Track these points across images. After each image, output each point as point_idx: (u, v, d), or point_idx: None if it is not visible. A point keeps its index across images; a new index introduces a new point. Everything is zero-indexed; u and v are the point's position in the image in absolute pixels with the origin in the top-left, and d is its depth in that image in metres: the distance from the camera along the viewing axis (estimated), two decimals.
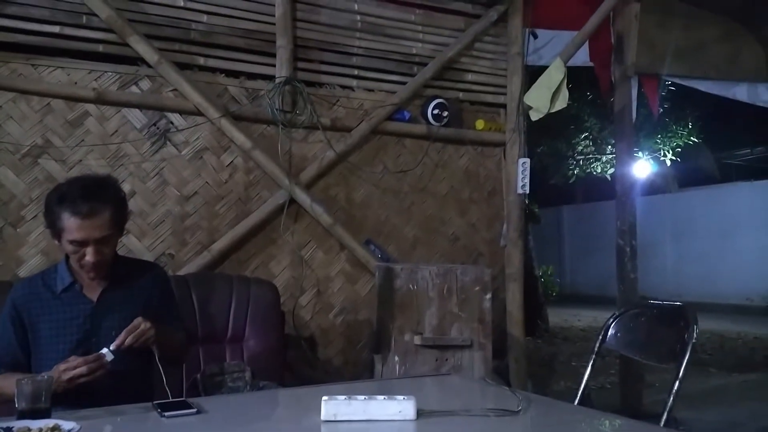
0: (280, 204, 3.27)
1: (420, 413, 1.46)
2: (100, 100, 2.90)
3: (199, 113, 3.09)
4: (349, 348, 3.41)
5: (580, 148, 10.75)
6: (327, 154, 3.42)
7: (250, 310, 2.72)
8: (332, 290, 3.45)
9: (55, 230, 1.73)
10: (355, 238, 3.45)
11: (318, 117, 3.36)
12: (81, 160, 2.84)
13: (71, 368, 1.60)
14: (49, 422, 1.27)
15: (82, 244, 1.70)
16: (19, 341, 1.76)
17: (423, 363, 2.88)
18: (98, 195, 1.73)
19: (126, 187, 2.91)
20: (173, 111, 3.07)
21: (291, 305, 3.25)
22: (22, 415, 1.37)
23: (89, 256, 1.71)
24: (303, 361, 3.18)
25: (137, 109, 2.99)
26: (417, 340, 2.91)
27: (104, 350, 1.65)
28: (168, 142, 3.06)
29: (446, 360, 2.94)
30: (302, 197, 3.30)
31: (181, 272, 2.90)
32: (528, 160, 3.80)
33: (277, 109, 3.24)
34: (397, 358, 2.88)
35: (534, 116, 3.77)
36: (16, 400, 1.39)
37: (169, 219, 3.04)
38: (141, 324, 1.69)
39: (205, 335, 2.54)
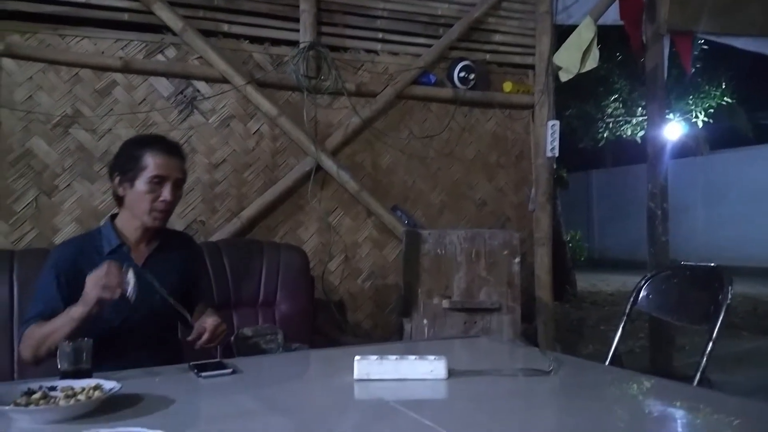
0: (307, 171, 3.27)
1: (451, 372, 1.47)
2: (127, 68, 2.91)
3: (225, 81, 3.09)
4: (378, 312, 3.45)
5: (610, 110, 10.53)
6: (352, 120, 3.40)
7: (281, 275, 2.76)
8: (360, 256, 3.47)
9: (133, 173, 1.80)
10: (381, 204, 3.45)
11: (343, 82, 3.34)
12: (110, 129, 2.87)
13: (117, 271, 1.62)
14: (91, 382, 1.30)
15: (162, 180, 1.79)
16: (62, 298, 1.77)
17: (451, 326, 2.89)
18: (177, 144, 1.93)
19: None
20: (199, 79, 3.08)
21: (320, 271, 3.28)
22: (65, 375, 1.41)
23: (166, 192, 1.80)
24: (333, 325, 3.22)
25: (164, 78, 3.00)
26: (445, 303, 2.92)
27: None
28: (195, 110, 3.07)
29: (475, 323, 2.96)
30: (328, 164, 3.30)
31: (213, 239, 2.94)
32: (557, 123, 3.73)
33: (301, 75, 3.23)
34: (425, 321, 2.90)
35: (563, 77, 3.69)
36: (58, 361, 1.43)
37: (199, 187, 3.07)
38: (222, 325, 1.74)
39: (238, 300, 2.59)
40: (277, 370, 1.69)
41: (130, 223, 1.87)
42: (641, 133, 10.43)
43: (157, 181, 1.80)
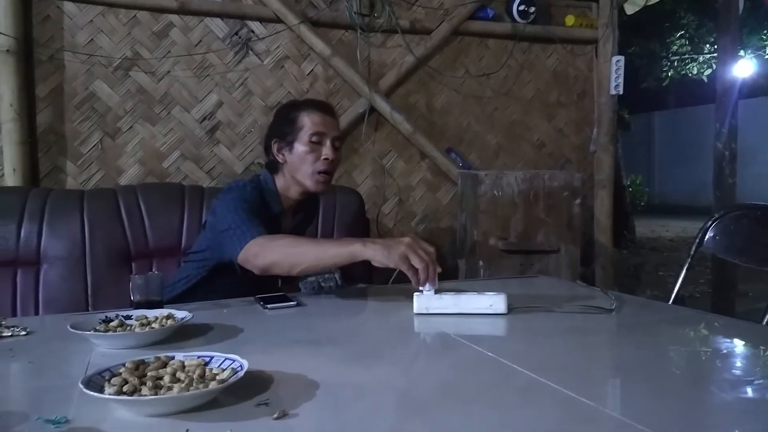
0: (361, 113, 3.25)
1: (511, 308, 1.47)
2: (183, 10, 2.92)
3: (279, 20, 3.06)
4: None
5: (675, 47, 9.99)
6: (406, 59, 3.33)
7: (337, 216, 2.78)
8: (414, 199, 3.47)
9: (292, 135, 1.77)
10: (435, 146, 3.41)
11: (396, 19, 3.26)
12: (169, 72, 2.91)
13: (424, 252, 1.49)
14: (164, 311, 1.36)
15: (322, 138, 1.76)
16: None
17: (507, 268, 2.88)
18: (329, 104, 1.88)
19: (213, 98, 2.98)
20: (253, 19, 3.06)
21: (374, 213, 3.30)
22: (138, 305, 1.48)
23: (327, 150, 1.76)
24: (387, 267, 3.26)
25: (219, 19, 3.00)
26: (501, 245, 2.90)
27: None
28: (250, 51, 3.07)
29: (532, 265, 2.93)
30: (382, 105, 3.27)
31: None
32: (622, 58, 3.56)
33: (354, 13, 3.17)
34: (481, 263, 2.89)
35: (629, 9, 3.50)
36: (131, 292, 1.50)
37: (256, 129, 3.10)
38: None
39: None
40: (337, 304, 1.72)
41: (290, 190, 1.83)
42: (708, 71, 9.89)
43: (317, 140, 1.76)
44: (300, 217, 1.92)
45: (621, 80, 3.58)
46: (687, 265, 2.06)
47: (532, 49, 3.63)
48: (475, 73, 3.51)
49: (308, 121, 1.77)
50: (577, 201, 2.94)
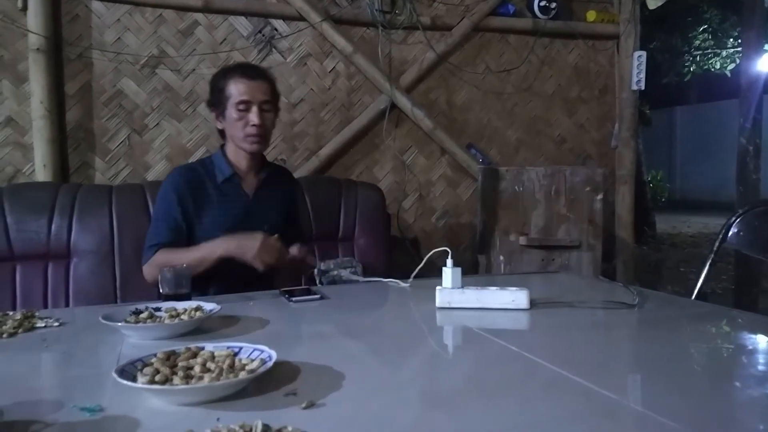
0: (382, 109, 3.26)
1: (533, 303, 1.48)
2: (208, 8, 2.95)
3: (301, 18, 3.09)
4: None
5: (698, 42, 9.85)
6: (427, 55, 3.34)
7: (359, 211, 2.81)
8: (434, 194, 3.47)
9: (222, 102, 1.89)
10: (456, 142, 3.42)
11: (417, 16, 3.26)
12: (194, 69, 2.95)
13: (274, 248, 1.75)
14: (193, 303, 1.39)
15: (248, 105, 1.86)
16: (185, 220, 1.88)
17: (528, 263, 2.88)
18: (260, 68, 1.98)
19: None
20: (277, 17, 3.09)
21: (395, 209, 3.31)
22: (166, 298, 1.51)
23: (253, 116, 1.86)
24: (408, 261, 3.28)
25: (243, 17, 3.03)
26: (522, 240, 2.90)
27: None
28: (273, 50, 3.10)
29: (553, 260, 2.93)
30: (403, 101, 3.28)
31: (294, 176, 3.01)
32: (644, 53, 3.53)
33: (376, 10, 3.18)
34: (501, 258, 2.90)
35: (652, 4, 3.46)
36: (160, 285, 1.54)
37: (280, 126, 3.12)
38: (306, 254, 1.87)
39: (319, 234, 2.67)
40: (360, 297, 1.74)
41: (236, 153, 1.96)
42: (731, 66, 9.73)
43: (243, 107, 1.87)
44: (263, 178, 1.99)
45: (643, 75, 3.55)
46: (710, 260, 2.05)
47: (553, 44, 3.61)
48: (495, 69, 3.51)
49: (234, 90, 1.87)
50: (599, 196, 2.93)
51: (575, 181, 2.91)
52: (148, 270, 1.85)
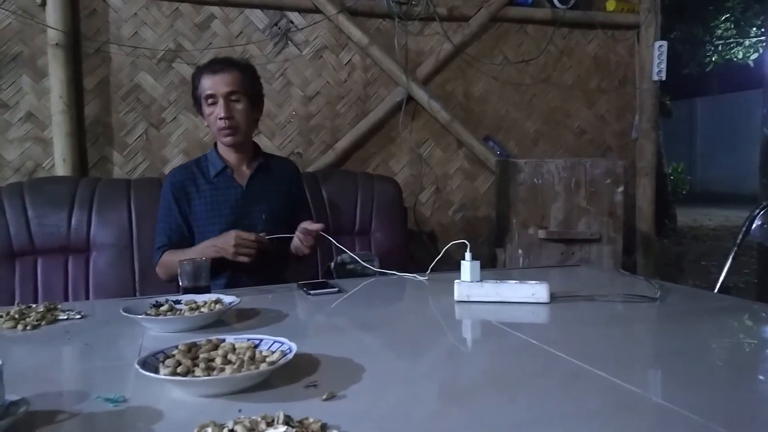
0: (398, 102, 3.25)
1: (553, 297, 1.46)
2: (224, 1, 2.95)
3: (317, 10, 3.08)
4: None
5: (720, 31, 9.69)
6: (444, 46, 3.31)
7: (375, 204, 2.80)
8: (451, 187, 3.45)
9: (198, 102, 1.95)
10: (473, 134, 3.39)
11: (434, 7, 3.24)
12: None
13: (247, 241, 1.76)
14: (212, 296, 1.40)
15: (215, 99, 1.89)
16: (184, 220, 1.94)
17: (547, 257, 2.85)
18: (227, 59, 2.00)
19: None
20: (292, 9, 3.08)
21: (411, 202, 3.30)
22: (186, 291, 1.52)
23: (219, 109, 1.89)
24: (425, 255, 3.26)
25: (259, 10, 3.03)
26: (541, 233, 2.87)
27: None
28: (289, 42, 3.09)
29: (572, 254, 2.90)
30: (419, 94, 3.26)
31: (310, 169, 3.01)
32: (665, 43, 3.47)
33: (392, 1, 3.16)
34: (520, 252, 2.87)
35: None
36: (179, 278, 1.54)
37: (296, 119, 3.13)
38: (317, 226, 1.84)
39: (336, 227, 2.66)
40: (378, 291, 1.74)
41: (223, 147, 2.01)
42: (755, 55, 9.56)
43: (211, 101, 1.90)
44: (257, 166, 2.01)
45: (664, 66, 3.50)
46: (733, 253, 2.02)
47: (573, 34, 3.56)
48: (513, 59, 3.47)
49: (202, 86, 1.91)
50: (620, 189, 2.88)
51: (595, 174, 2.87)
52: (159, 270, 1.96)
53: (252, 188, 1.99)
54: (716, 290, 1.95)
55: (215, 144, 2.04)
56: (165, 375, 0.89)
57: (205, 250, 1.82)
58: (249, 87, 1.95)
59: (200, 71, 1.94)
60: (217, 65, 1.93)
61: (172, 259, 1.84)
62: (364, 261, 2.47)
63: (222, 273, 1.87)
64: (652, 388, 0.97)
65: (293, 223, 1.91)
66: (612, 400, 0.87)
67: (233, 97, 1.90)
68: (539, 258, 2.84)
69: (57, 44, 2.67)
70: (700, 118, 13.83)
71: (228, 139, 1.93)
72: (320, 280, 1.67)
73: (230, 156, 2.00)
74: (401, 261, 2.74)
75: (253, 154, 2.05)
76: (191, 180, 1.97)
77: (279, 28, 3.07)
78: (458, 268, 1.55)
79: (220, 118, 1.89)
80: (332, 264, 2.40)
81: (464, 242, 1.64)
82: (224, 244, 1.77)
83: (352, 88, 3.23)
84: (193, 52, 2.93)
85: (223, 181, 1.97)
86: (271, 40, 3.06)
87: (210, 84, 1.89)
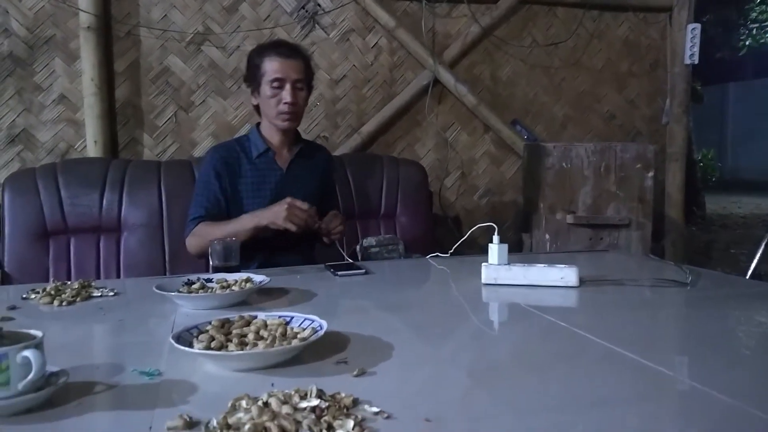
0: (424, 85, 3.23)
1: (582, 281, 1.45)
2: None
3: None
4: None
5: (755, 14, 9.43)
6: (471, 29, 3.28)
7: (401, 188, 2.80)
8: (477, 172, 3.43)
9: (257, 79, 1.94)
10: (500, 118, 3.36)
11: None
12: (239, 46, 2.97)
13: (300, 210, 1.75)
14: (243, 275, 1.42)
15: (281, 83, 1.90)
16: (223, 195, 1.95)
17: (575, 242, 2.82)
18: (295, 46, 2.00)
19: None
20: None
21: (436, 187, 3.29)
22: (216, 270, 1.54)
23: (286, 94, 1.90)
24: (450, 240, 3.25)
25: None
26: (569, 218, 2.84)
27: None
28: (316, 25, 3.09)
29: (601, 239, 2.86)
30: (446, 77, 3.24)
31: (336, 153, 3.02)
32: (698, 26, 3.39)
33: None
34: (547, 237, 2.85)
35: None
36: (210, 257, 1.56)
37: (322, 103, 3.13)
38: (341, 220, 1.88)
39: (361, 211, 2.67)
40: (405, 273, 1.75)
41: (270, 129, 2.01)
42: None
43: (277, 85, 1.91)
44: (296, 152, 2.03)
45: (696, 49, 3.42)
46: (765, 240, 1.98)
47: (603, 17, 3.50)
48: (542, 42, 3.42)
49: (269, 68, 1.90)
50: (650, 173, 2.83)
51: (626, 158, 2.82)
52: (190, 241, 1.92)
53: (291, 172, 2.02)
54: (748, 277, 1.91)
55: (257, 125, 2.05)
56: (199, 349, 0.91)
57: (246, 221, 1.82)
58: (310, 77, 1.99)
59: (266, 51, 1.94)
60: (286, 50, 1.93)
61: (208, 231, 1.84)
62: (389, 245, 2.49)
63: (256, 255, 1.89)
64: (685, 371, 0.96)
65: (321, 210, 1.92)
66: (645, 382, 0.87)
67: (298, 85, 1.93)
68: (566, 243, 2.82)
69: (89, 27, 2.71)
70: (732, 103, 13.50)
71: (286, 124, 1.95)
72: (347, 262, 1.68)
73: (275, 139, 2.02)
74: (426, 245, 2.73)
75: (294, 139, 2.07)
76: (235, 158, 1.98)
77: (306, 11, 3.06)
78: (483, 253, 1.54)
79: (285, 103, 1.90)
80: (357, 247, 2.41)
81: (492, 225, 1.63)
82: (277, 209, 1.76)
83: (378, 72, 3.22)
84: (222, 35, 2.95)
85: (264, 162, 1.99)
86: (299, 23, 3.06)
87: (279, 67, 1.90)
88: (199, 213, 1.93)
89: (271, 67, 1.90)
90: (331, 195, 2.19)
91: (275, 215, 1.76)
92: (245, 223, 1.82)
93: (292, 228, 1.75)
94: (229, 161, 1.96)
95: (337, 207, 2.20)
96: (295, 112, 1.94)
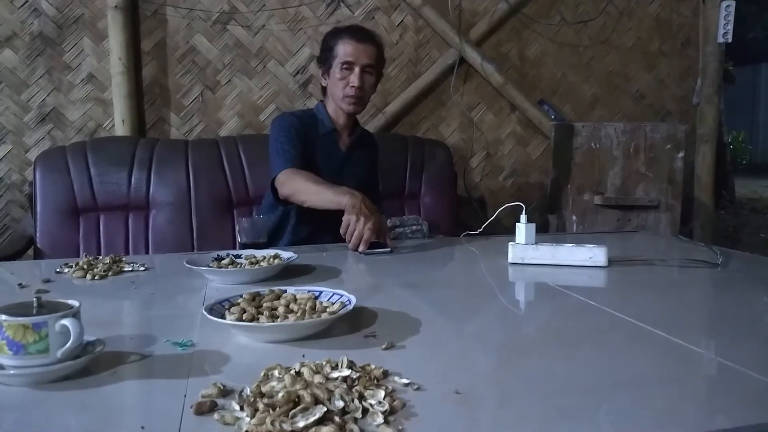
0: (450, 64, 3.19)
1: (611, 261, 1.44)
2: None
3: None
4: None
5: None
6: (499, 6, 3.23)
7: (425, 169, 2.80)
8: (502, 153, 3.40)
9: (329, 61, 1.96)
10: (527, 98, 3.31)
11: None
12: (264, 25, 2.96)
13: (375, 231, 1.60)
14: (271, 251, 1.43)
15: (351, 66, 1.92)
16: (306, 154, 1.91)
17: (603, 223, 2.79)
18: (370, 32, 2.02)
19: (306, 52, 3.02)
20: None
21: (461, 167, 3.27)
22: (244, 247, 1.56)
23: (354, 78, 1.92)
24: (474, 221, 3.24)
25: None
26: (597, 199, 2.80)
27: None
28: (342, 4, 3.07)
29: (629, 221, 2.83)
30: (472, 56, 3.20)
31: None
32: (733, 3, 3.29)
33: None
34: (574, 218, 2.82)
35: None
36: (238, 234, 1.58)
37: None
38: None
39: (385, 191, 2.65)
40: (431, 252, 1.74)
41: (336, 110, 2.02)
42: None
43: (347, 67, 1.93)
44: (355, 137, 2.06)
45: (730, 27, 3.32)
46: None
47: None
48: (571, 20, 3.36)
49: (341, 50, 1.93)
50: (680, 154, 2.78)
51: (656, 138, 2.77)
52: (285, 176, 1.83)
53: (349, 156, 2.04)
54: None
55: (322, 102, 2.06)
56: (232, 321, 0.92)
57: (344, 195, 1.67)
58: (381, 64, 2.00)
59: (341, 34, 1.96)
60: (361, 34, 1.95)
61: (308, 177, 1.79)
62: (413, 225, 2.49)
63: (304, 227, 1.93)
64: (717, 349, 0.95)
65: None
66: (674, 361, 0.86)
67: (368, 70, 1.94)
68: (594, 224, 2.79)
69: (116, 6, 2.72)
70: (765, 85, 13.15)
71: (351, 108, 1.97)
72: (374, 241, 1.68)
73: (339, 120, 2.03)
74: (450, 226, 2.74)
75: (354, 123, 2.09)
76: (307, 128, 1.97)
77: None
78: (509, 233, 1.53)
79: (352, 86, 1.92)
80: None
81: (519, 204, 1.62)
82: (371, 210, 1.62)
83: (403, 50, 3.19)
84: (247, 14, 2.94)
85: (329, 142, 2.01)
86: (324, 1, 3.04)
87: (351, 51, 1.92)
88: (292, 163, 1.85)
89: (344, 50, 1.92)
90: (375, 185, 2.20)
91: (365, 215, 1.59)
92: (341, 196, 1.67)
93: (363, 229, 1.58)
94: (305, 129, 1.97)
95: (380, 199, 2.19)
96: (362, 97, 1.96)
